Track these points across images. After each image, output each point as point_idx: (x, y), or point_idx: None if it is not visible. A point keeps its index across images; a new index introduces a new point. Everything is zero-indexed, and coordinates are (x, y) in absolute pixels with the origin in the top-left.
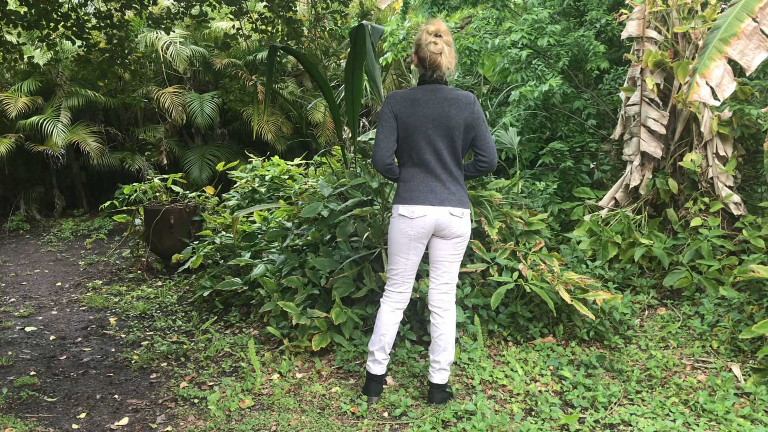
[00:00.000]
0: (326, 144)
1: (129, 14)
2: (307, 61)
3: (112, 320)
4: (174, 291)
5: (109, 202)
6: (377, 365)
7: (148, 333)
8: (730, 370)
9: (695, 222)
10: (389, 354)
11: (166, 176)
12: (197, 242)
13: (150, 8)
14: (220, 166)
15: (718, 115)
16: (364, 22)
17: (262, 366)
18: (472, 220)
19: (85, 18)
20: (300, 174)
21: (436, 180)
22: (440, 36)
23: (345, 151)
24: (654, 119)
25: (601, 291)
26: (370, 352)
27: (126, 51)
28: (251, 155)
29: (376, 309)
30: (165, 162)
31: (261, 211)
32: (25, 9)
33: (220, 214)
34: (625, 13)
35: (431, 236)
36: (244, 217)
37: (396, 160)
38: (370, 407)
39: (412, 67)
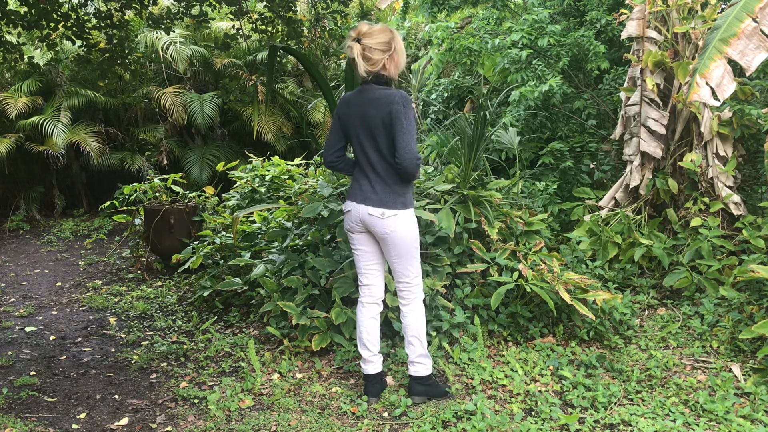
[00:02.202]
0: None
1: (129, 14)
2: (307, 61)
3: (112, 320)
4: (174, 291)
5: (109, 202)
6: (366, 364)
7: (148, 333)
8: (730, 370)
9: (695, 222)
10: (378, 352)
11: (166, 176)
12: (197, 242)
13: (150, 8)
14: (220, 166)
15: (718, 115)
16: (365, 21)
17: (262, 366)
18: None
19: (85, 18)
20: (300, 174)
21: (365, 178)
22: (359, 40)
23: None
24: (654, 119)
25: (601, 291)
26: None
27: (126, 51)
28: (251, 155)
29: None
30: (165, 162)
31: (261, 211)
32: (25, 9)
33: (220, 214)
34: (625, 13)
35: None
36: (244, 217)
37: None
38: (370, 407)
39: (413, 67)
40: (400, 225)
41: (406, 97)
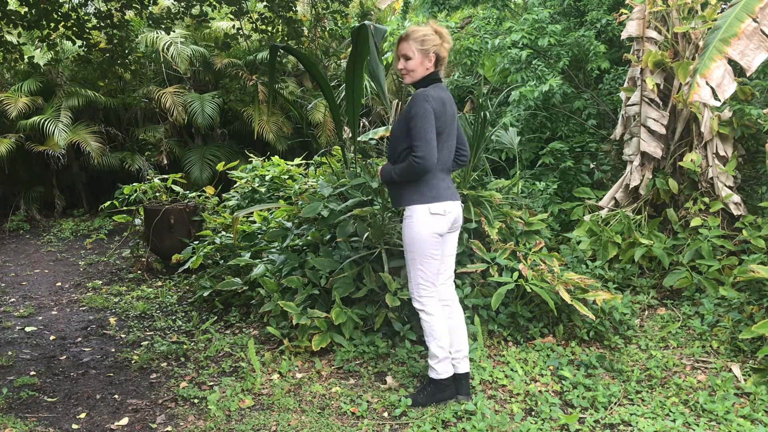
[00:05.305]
0: (326, 144)
1: (129, 14)
2: (307, 61)
3: (112, 320)
4: (174, 291)
5: (109, 202)
6: (461, 362)
7: (148, 333)
8: (730, 370)
9: (695, 222)
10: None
11: (166, 176)
12: (197, 242)
13: (150, 8)
14: (220, 166)
15: (719, 115)
16: (366, 22)
17: (262, 366)
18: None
19: (86, 18)
20: (300, 174)
21: (448, 175)
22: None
23: (345, 151)
24: (654, 119)
25: (601, 291)
26: (440, 358)
27: (126, 51)
28: (251, 155)
29: (377, 309)
30: (165, 162)
31: (261, 211)
32: (26, 9)
33: (220, 214)
34: (625, 13)
35: None
36: (244, 217)
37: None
38: (371, 407)
39: None
40: None
41: None
